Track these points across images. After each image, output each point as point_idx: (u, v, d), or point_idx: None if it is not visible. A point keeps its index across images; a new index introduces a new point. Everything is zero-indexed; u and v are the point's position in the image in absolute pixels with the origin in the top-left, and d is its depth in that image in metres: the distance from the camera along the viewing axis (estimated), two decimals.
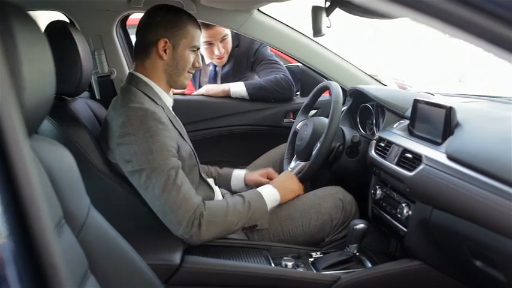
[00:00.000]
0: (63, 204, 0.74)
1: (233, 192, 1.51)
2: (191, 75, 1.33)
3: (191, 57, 1.29)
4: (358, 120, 1.69)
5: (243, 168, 1.68)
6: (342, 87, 1.48)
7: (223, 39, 2.00)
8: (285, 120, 2.02)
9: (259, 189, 1.30)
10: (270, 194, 1.29)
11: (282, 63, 2.08)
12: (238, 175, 1.59)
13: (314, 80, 1.90)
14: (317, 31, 1.27)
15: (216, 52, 2.02)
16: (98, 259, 0.79)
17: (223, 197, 1.48)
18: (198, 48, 1.31)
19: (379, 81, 1.91)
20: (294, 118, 1.99)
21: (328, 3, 1.25)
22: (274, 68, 2.01)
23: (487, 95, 1.61)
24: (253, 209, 1.22)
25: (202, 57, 2.07)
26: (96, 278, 0.79)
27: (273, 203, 1.29)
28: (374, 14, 1.08)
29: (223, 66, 2.13)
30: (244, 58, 2.08)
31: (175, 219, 1.12)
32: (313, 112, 1.90)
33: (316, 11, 1.24)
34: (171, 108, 1.34)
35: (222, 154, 2.01)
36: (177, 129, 1.27)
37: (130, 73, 1.29)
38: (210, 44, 2.01)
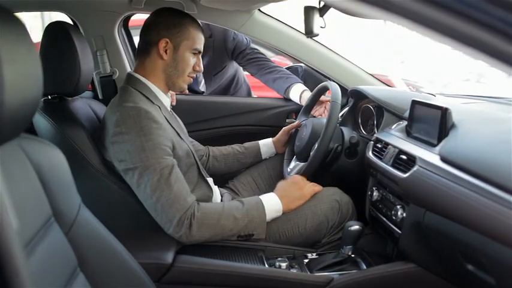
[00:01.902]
0: (52, 203, 0.75)
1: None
2: (191, 79, 1.33)
3: (191, 59, 1.29)
4: (359, 120, 1.68)
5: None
6: (344, 88, 1.46)
7: None
8: (287, 120, 2.02)
9: (261, 197, 1.27)
10: (271, 204, 1.25)
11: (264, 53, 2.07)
12: (266, 142, 1.69)
13: (317, 81, 1.88)
14: (309, 32, 1.27)
15: None
16: (87, 257, 0.80)
17: (221, 196, 1.49)
18: (200, 52, 1.31)
19: (385, 83, 1.88)
20: (296, 118, 1.99)
21: (322, 4, 1.24)
22: (268, 66, 1.98)
23: (489, 96, 1.58)
24: (251, 217, 1.20)
25: None
26: (86, 276, 0.80)
27: (274, 213, 1.26)
28: (366, 15, 1.08)
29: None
30: (223, 47, 2.02)
31: (166, 218, 1.12)
32: None
33: (308, 11, 1.24)
34: (168, 108, 1.35)
35: None
36: (174, 128, 1.27)
37: (128, 73, 1.31)
38: None
